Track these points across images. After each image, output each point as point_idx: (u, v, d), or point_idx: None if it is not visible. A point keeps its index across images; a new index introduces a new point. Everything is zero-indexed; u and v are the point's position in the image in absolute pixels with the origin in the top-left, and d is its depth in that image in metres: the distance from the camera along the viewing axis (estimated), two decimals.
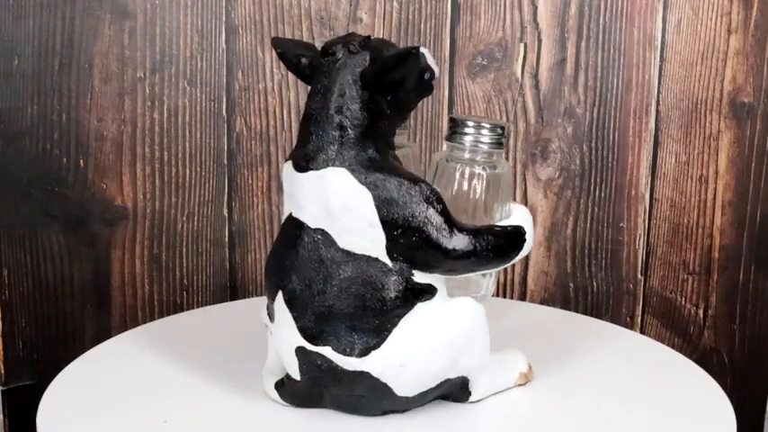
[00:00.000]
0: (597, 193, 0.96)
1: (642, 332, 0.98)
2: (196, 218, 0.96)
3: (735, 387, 0.99)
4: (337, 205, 0.59)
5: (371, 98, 0.60)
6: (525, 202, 0.97)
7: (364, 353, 0.59)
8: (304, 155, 0.60)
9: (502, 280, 0.98)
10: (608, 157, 0.96)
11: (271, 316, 0.63)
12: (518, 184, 0.96)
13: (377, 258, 0.59)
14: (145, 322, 0.95)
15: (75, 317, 0.97)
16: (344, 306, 0.59)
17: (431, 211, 0.59)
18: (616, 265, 0.98)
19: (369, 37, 0.61)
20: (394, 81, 0.59)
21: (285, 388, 0.64)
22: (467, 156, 0.64)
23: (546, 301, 0.99)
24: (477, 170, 0.64)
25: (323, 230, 0.60)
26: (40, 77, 0.91)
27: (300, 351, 0.60)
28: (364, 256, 0.59)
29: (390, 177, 0.59)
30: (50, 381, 0.68)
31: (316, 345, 0.60)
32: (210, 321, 0.81)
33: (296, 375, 0.62)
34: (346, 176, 0.59)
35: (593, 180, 0.96)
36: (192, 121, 0.94)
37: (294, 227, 0.61)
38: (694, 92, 0.95)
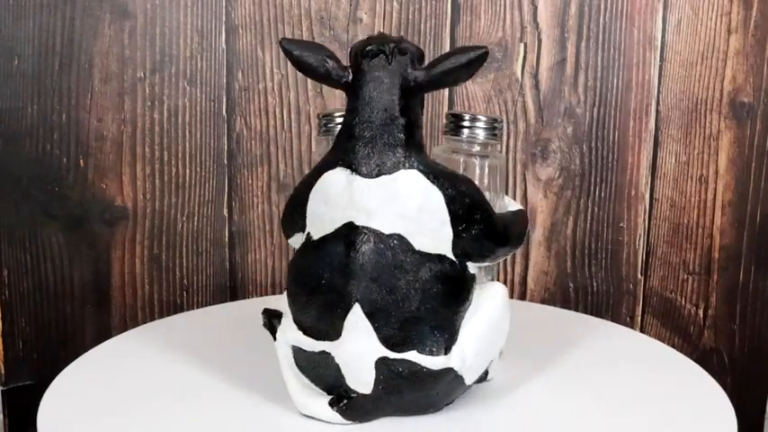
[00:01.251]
0: (597, 193, 0.96)
1: (642, 332, 0.98)
2: (196, 218, 0.96)
3: (735, 387, 0.99)
4: (414, 207, 0.59)
5: (422, 98, 0.62)
6: (525, 202, 0.97)
7: (447, 350, 0.60)
8: (369, 160, 0.59)
9: (502, 280, 0.98)
10: (608, 157, 0.96)
11: (320, 334, 0.61)
12: (518, 183, 0.96)
13: (445, 255, 0.60)
14: (145, 322, 0.95)
15: (76, 317, 0.97)
16: (427, 307, 0.59)
17: (485, 203, 0.61)
18: (616, 265, 0.98)
19: (401, 37, 0.62)
20: (455, 81, 0.61)
21: (346, 405, 0.61)
22: (465, 147, 0.67)
23: (546, 301, 0.99)
24: (476, 160, 0.68)
25: (399, 235, 0.59)
26: (40, 77, 0.91)
27: (382, 362, 0.59)
28: (437, 255, 0.59)
29: (448, 174, 0.60)
30: (50, 381, 0.68)
31: (399, 352, 0.59)
32: (210, 321, 0.81)
33: (366, 389, 0.60)
34: (418, 177, 0.59)
35: (593, 180, 0.96)
36: (192, 121, 0.94)
37: (360, 235, 0.59)
38: (694, 92, 0.95)
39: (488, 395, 0.66)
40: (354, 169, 0.59)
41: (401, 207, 0.59)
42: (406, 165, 0.59)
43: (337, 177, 0.60)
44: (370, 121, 0.59)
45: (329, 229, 0.60)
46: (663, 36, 0.93)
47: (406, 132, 0.59)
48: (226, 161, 0.95)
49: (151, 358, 0.72)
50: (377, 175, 0.59)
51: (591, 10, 0.93)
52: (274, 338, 0.64)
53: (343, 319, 0.59)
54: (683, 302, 0.99)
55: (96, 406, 0.65)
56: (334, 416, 0.61)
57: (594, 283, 0.98)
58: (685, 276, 0.99)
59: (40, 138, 0.92)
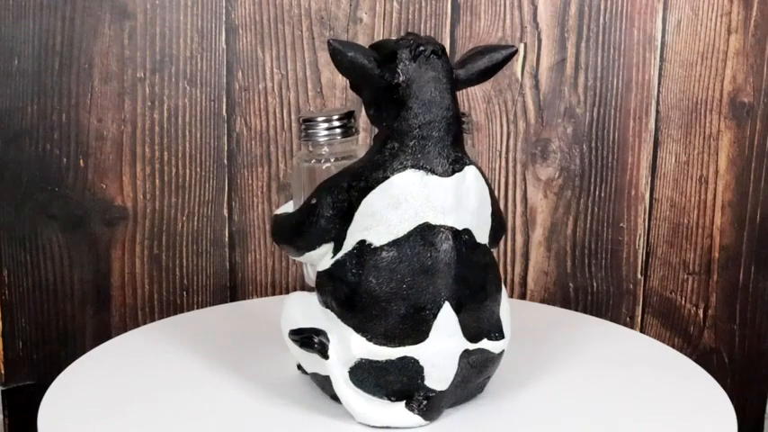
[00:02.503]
0: (597, 193, 0.96)
1: (642, 332, 0.98)
2: (196, 218, 0.96)
3: (735, 387, 0.99)
4: (477, 201, 0.61)
5: None
6: (525, 202, 0.97)
7: (503, 334, 0.64)
8: (444, 159, 0.60)
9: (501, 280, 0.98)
10: (608, 157, 0.96)
11: (401, 340, 0.60)
12: (518, 183, 0.96)
13: (486, 245, 0.63)
14: (145, 322, 0.95)
15: (76, 317, 0.97)
16: (490, 295, 0.62)
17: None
18: (616, 265, 0.98)
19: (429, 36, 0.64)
20: (485, 79, 0.63)
21: (426, 405, 0.62)
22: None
23: (546, 301, 0.99)
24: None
25: (468, 230, 0.61)
26: (40, 77, 0.91)
27: (465, 354, 0.61)
28: (484, 245, 0.63)
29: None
30: (50, 381, 0.68)
31: (476, 342, 0.62)
32: (210, 321, 0.81)
33: (444, 385, 0.61)
34: (476, 172, 0.62)
35: (593, 180, 0.96)
36: (192, 121, 0.94)
37: (438, 234, 0.60)
38: (694, 92, 0.95)
39: (488, 395, 0.66)
40: (429, 170, 0.60)
41: (470, 202, 0.61)
42: (467, 161, 0.61)
43: (410, 179, 0.60)
44: (435, 120, 0.60)
45: (400, 232, 0.60)
46: (663, 36, 0.93)
47: (459, 129, 0.61)
48: (226, 161, 0.95)
49: (151, 358, 0.72)
50: (451, 174, 0.60)
51: (591, 10, 0.93)
52: (325, 357, 0.62)
53: (433, 320, 0.60)
54: (683, 302, 0.99)
55: (96, 406, 0.65)
56: (415, 419, 0.61)
57: (594, 283, 0.98)
58: (685, 276, 0.99)
59: (40, 138, 0.92)
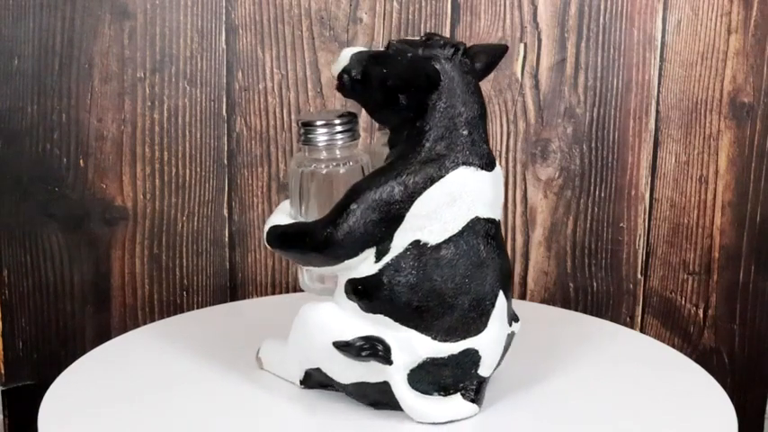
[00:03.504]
0: (597, 193, 0.96)
1: (642, 332, 0.98)
2: (196, 218, 0.96)
3: (735, 387, 0.99)
4: (503, 193, 0.64)
5: None
6: (525, 201, 0.97)
7: (517, 316, 0.67)
8: (484, 154, 0.62)
9: None
10: (608, 157, 0.96)
11: (463, 333, 0.62)
12: (518, 183, 0.96)
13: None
14: (145, 322, 0.95)
15: (76, 317, 0.97)
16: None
17: None
18: (616, 265, 0.98)
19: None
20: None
21: (478, 393, 0.64)
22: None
23: (546, 301, 0.99)
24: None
25: (498, 220, 0.63)
26: (40, 77, 0.91)
27: (509, 337, 0.65)
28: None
29: None
30: (50, 381, 0.68)
31: (511, 325, 0.65)
32: (210, 321, 0.81)
33: (491, 370, 0.64)
34: (498, 165, 0.64)
35: (593, 180, 0.96)
36: (192, 121, 0.94)
37: (486, 226, 0.62)
38: (694, 92, 0.95)
39: (488, 394, 0.66)
40: (478, 165, 0.61)
41: (501, 193, 0.64)
42: (493, 155, 0.63)
43: (465, 175, 0.61)
44: (475, 117, 0.61)
45: (454, 228, 0.61)
46: (663, 36, 0.93)
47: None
48: (226, 161, 0.95)
49: (151, 359, 0.72)
50: (492, 168, 0.62)
51: (591, 10, 0.93)
52: (389, 363, 0.61)
53: (492, 310, 0.62)
54: (683, 302, 0.99)
55: (97, 406, 0.65)
56: (473, 408, 0.64)
57: (594, 283, 0.98)
58: (685, 276, 0.99)
59: (40, 138, 0.92)
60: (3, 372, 0.96)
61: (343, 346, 0.61)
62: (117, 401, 0.65)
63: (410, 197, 0.60)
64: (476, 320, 0.62)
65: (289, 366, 0.67)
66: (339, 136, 0.64)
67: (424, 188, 0.60)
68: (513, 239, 0.97)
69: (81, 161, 0.93)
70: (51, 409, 0.64)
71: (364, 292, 0.61)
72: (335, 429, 0.62)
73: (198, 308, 0.96)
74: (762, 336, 0.99)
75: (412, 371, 0.62)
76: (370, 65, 0.61)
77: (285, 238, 0.63)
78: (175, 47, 0.92)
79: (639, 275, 0.98)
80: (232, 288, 0.97)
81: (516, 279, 0.98)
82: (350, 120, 0.65)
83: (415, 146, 0.61)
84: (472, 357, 0.62)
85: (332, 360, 0.62)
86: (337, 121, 0.64)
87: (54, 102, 0.92)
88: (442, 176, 0.60)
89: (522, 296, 0.99)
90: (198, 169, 0.95)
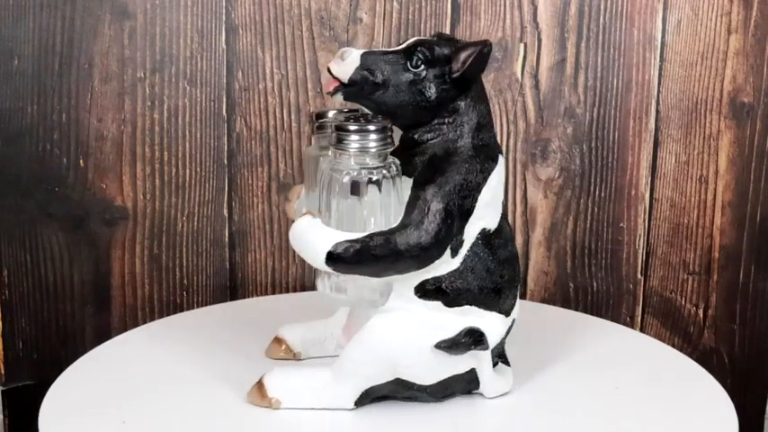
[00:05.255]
0: (597, 193, 0.96)
1: (642, 332, 0.98)
2: (196, 218, 0.96)
3: (735, 387, 0.99)
4: None
5: None
6: (525, 201, 0.97)
7: None
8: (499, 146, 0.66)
9: None
10: (608, 157, 0.96)
11: (514, 306, 0.66)
12: (518, 183, 0.96)
13: None
14: (145, 322, 0.95)
15: (76, 317, 0.97)
16: None
17: None
18: (616, 265, 0.98)
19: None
20: None
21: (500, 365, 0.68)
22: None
23: (546, 301, 0.99)
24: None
25: None
26: (40, 77, 0.91)
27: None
28: None
29: None
30: (50, 381, 0.68)
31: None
32: (210, 321, 0.81)
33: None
34: None
35: (593, 180, 0.96)
36: (192, 121, 0.94)
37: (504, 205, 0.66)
38: (694, 92, 0.95)
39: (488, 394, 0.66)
40: (501, 151, 0.65)
41: None
42: None
43: (502, 162, 0.64)
44: (489, 110, 0.65)
45: (499, 211, 0.65)
46: (663, 36, 0.93)
47: None
48: (226, 161, 0.95)
49: (151, 358, 0.72)
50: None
51: (591, 10, 0.93)
52: (487, 348, 0.64)
53: (524, 281, 0.68)
54: (683, 302, 0.99)
55: (97, 406, 0.65)
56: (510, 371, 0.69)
57: (594, 283, 0.98)
58: (685, 276, 0.99)
59: (40, 138, 0.92)
60: (3, 372, 0.96)
61: (448, 346, 0.62)
62: (117, 401, 0.65)
63: (477, 189, 0.62)
64: (518, 290, 0.66)
65: (335, 392, 0.64)
66: (372, 145, 0.61)
67: (485, 179, 0.62)
68: (513, 239, 0.97)
69: (81, 161, 0.93)
70: (51, 409, 0.64)
71: (448, 288, 0.62)
72: (336, 427, 0.62)
73: (198, 307, 0.96)
74: (762, 336, 0.99)
75: (491, 351, 0.65)
76: (394, 65, 0.62)
77: (368, 252, 0.60)
78: (175, 47, 0.92)
79: (639, 275, 0.98)
80: (232, 288, 0.97)
81: None
82: (385, 131, 0.62)
83: (457, 141, 0.63)
84: (513, 325, 0.66)
85: (418, 365, 0.63)
86: (372, 129, 0.61)
87: (54, 102, 0.92)
88: (494, 166, 0.63)
89: (522, 296, 0.98)
90: (198, 169, 0.95)
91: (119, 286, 0.96)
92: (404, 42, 0.64)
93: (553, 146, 0.96)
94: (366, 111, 0.64)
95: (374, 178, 0.61)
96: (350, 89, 0.62)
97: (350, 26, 0.93)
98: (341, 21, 0.93)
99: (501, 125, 0.95)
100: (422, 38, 0.64)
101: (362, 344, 0.63)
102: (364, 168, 0.61)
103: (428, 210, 0.60)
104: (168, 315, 0.93)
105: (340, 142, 0.61)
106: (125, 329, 0.91)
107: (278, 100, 0.94)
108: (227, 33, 0.92)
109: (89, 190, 0.94)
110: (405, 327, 0.62)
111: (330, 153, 0.62)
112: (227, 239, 0.97)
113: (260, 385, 0.64)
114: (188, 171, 0.95)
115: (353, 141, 0.61)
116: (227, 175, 0.95)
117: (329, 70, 0.62)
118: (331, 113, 0.68)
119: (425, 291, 0.62)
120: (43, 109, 0.92)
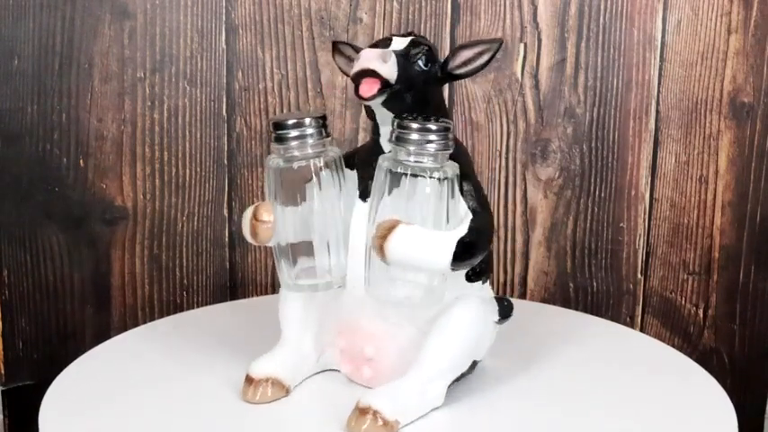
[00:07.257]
0: (597, 193, 0.96)
1: (642, 332, 0.98)
2: (196, 218, 0.96)
3: (735, 387, 0.99)
4: None
5: None
6: (525, 201, 0.97)
7: None
8: None
9: (502, 279, 0.99)
10: (608, 157, 0.96)
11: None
12: (518, 183, 0.96)
13: None
14: (145, 322, 0.95)
15: (76, 317, 0.97)
16: None
17: None
18: (616, 265, 0.98)
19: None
20: None
21: None
22: (297, 153, 0.63)
23: (546, 300, 0.99)
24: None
25: None
26: (40, 77, 0.91)
27: None
28: None
29: None
30: (50, 381, 0.68)
31: None
32: (210, 321, 0.81)
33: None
34: None
35: (593, 180, 0.96)
36: (192, 121, 0.94)
37: None
38: (694, 92, 0.95)
39: (488, 393, 0.66)
40: None
41: None
42: None
43: None
44: None
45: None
46: (663, 36, 0.93)
47: None
48: (226, 161, 0.95)
49: (151, 358, 0.72)
50: None
51: (591, 10, 0.93)
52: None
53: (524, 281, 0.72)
54: (683, 302, 0.99)
55: (97, 406, 0.65)
56: None
57: (594, 283, 0.98)
58: (685, 276, 0.99)
59: (40, 138, 0.92)
60: (3, 372, 0.96)
61: (503, 317, 0.66)
62: (117, 401, 0.65)
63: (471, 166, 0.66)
64: None
65: (434, 393, 0.63)
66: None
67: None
68: (513, 239, 0.97)
69: (81, 161, 0.93)
70: (51, 409, 0.64)
71: (483, 266, 0.65)
72: (336, 425, 0.62)
73: (198, 307, 0.96)
74: (762, 336, 0.99)
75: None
76: (413, 64, 0.62)
77: (482, 242, 0.62)
78: (175, 47, 0.92)
79: (639, 275, 0.98)
80: (232, 288, 0.97)
81: (516, 279, 0.98)
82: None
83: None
84: None
85: (489, 343, 0.67)
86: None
87: (54, 102, 0.92)
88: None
89: (522, 296, 0.99)
90: (198, 169, 0.95)
91: (119, 286, 0.96)
92: (383, 38, 0.64)
93: (553, 146, 0.96)
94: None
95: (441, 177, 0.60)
96: (395, 90, 0.60)
97: (350, 26, 0.93)
98: (341, 21, 0.93)
99: (501, 125, 0.95)
100: (402, 36, 0.64)
101: (455, 338, 0.63)
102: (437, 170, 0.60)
103: (474, 191, 0.62)
104: (168, 315, 0.94)
105: (428, 143, 0.59)
106: (125, 329, 0.90)
107: (278, 100, 0.94)
108: (227, 33, 0.93)
109: (89, 190, 0.94)
110: (482, 311, 0.64)
111: (402, 159, 0.60)
112: (227, 239, 0.97)
113: (374, 414, 0.60)
114: (188, 171, 0.95)
115: (435, 142, 0.59)
116: (227, 175, 0.95)
117: (369, 73, 0.59)
118: (290, 121, 0.63)
119: (474, 273, 0.65)
120: (43, 109, 0.92)
